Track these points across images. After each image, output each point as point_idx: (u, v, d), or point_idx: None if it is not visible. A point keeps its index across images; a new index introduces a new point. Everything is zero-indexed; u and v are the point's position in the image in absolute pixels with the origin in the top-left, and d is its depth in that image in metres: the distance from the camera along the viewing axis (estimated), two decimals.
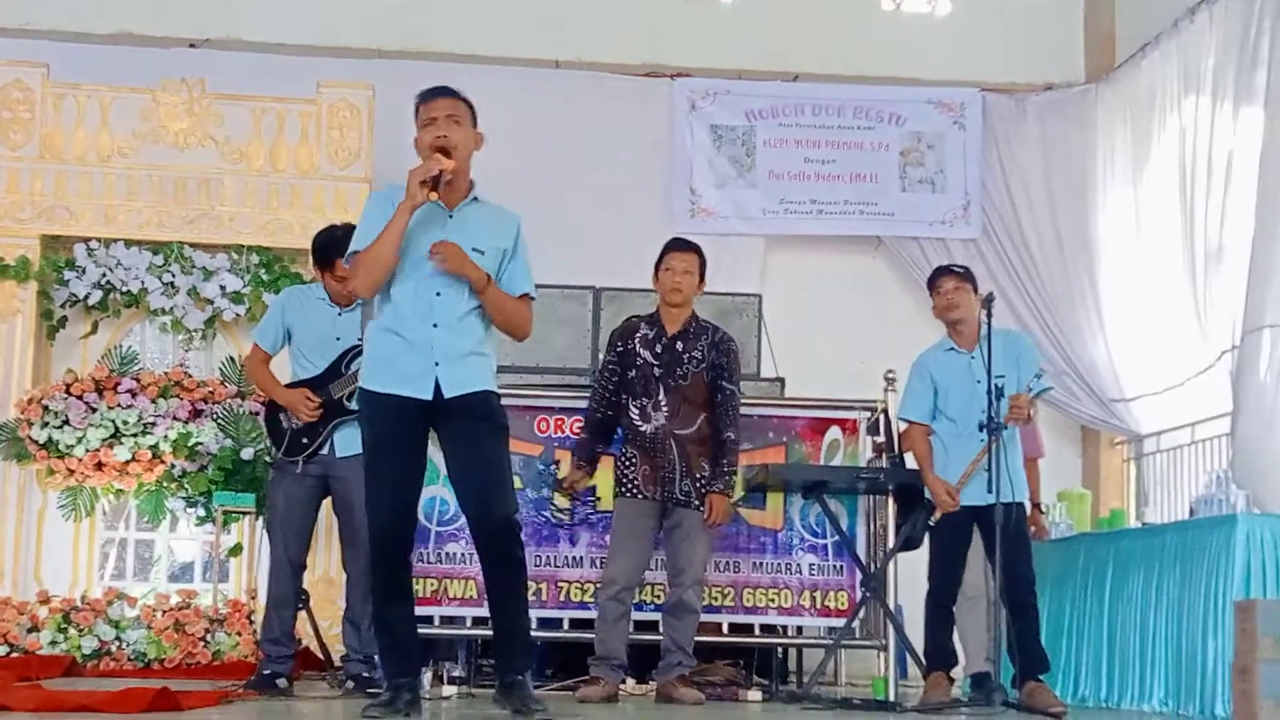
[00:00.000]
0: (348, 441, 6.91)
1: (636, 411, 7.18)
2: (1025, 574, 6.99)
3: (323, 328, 6.98)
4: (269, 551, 7.15)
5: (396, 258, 5.29)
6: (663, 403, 7.14)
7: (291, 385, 7.01)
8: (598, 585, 7.68)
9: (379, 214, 5.33)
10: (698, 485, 7.14)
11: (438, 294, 5.33)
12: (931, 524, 7.18)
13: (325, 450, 6.93)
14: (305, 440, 6.91)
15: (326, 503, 7.12)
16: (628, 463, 7.18)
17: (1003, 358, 7.03)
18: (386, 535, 5.35)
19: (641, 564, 7.26)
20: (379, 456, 5.38)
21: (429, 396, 5.30)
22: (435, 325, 5.32)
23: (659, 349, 7.20)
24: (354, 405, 6.88)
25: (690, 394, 7.17)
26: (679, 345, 7.20)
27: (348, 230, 6.88)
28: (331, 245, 6.91)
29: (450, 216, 5.41)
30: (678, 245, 7.34)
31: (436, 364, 5.30)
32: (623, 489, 7.19)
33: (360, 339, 6.92)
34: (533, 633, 6.21)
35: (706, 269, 7.36)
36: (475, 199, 5.49)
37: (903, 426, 7.49)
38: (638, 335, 7.27)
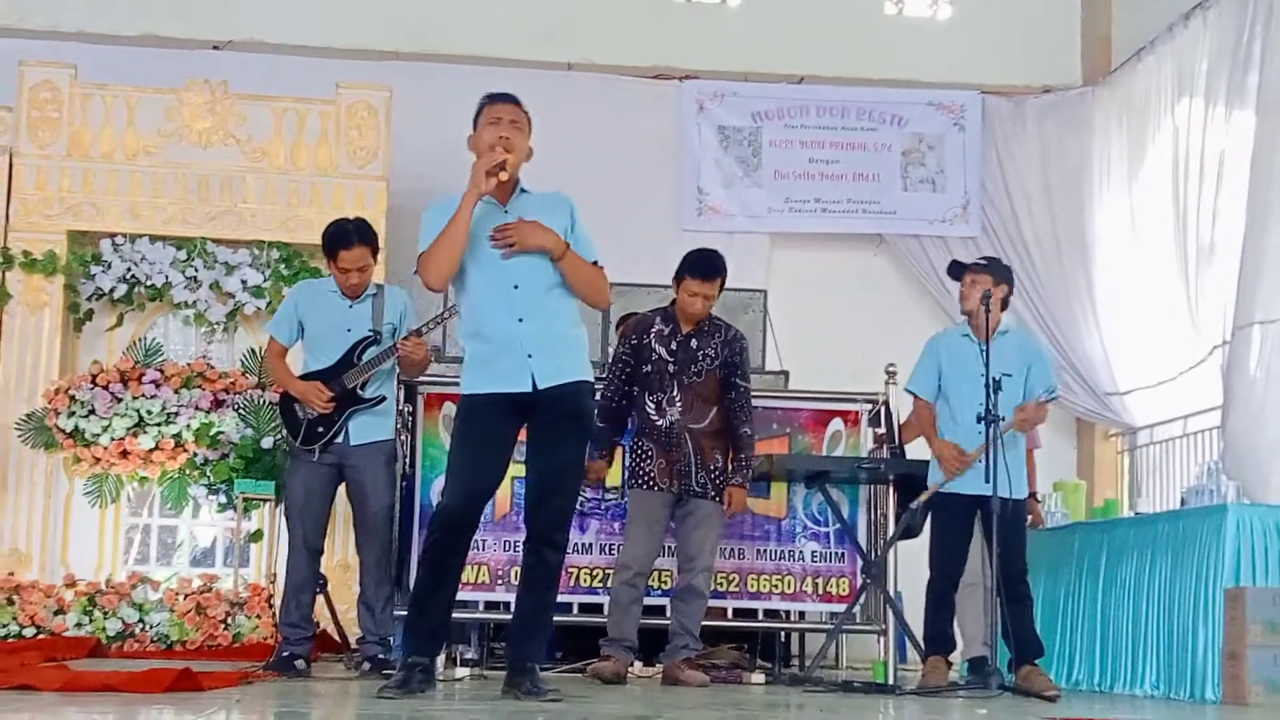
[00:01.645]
0: (362, 429, 6.92)
1: (652, 406, 7.18)
2: (1020, 564, 7.01)
3: (334, 319, 6.96)
4: (287, 537, 7.15)
5: (465, 244, 5.26)
6: (676, 398, 7.14)
7: (305, 377, 7.00)
8: (607, 571, 7.70)
9: (441, 218, 5.31)
10: (712, 476, 7.16)
11: (515, 287, 5.31)
12: (925, 499, 7.16)
13: (340, 439, 6.92)
14: (321, 430, 6.90)
15: (342, 489, 7.12)
16: (643, 456, 7.18)
17: (1014, 357, 7.03)
18: (449, 520, 5.35)
19: (655, 551, 7.27)
20: (461, 446, 5.41)
21: (528, 389, 5.29)
22: (520, 320, 5.31)
23: (674, 345, 7.19)
24: (367, 394, 6.92)
25: (703, 390, 7.17)
26: (693, 343, 7.19)
27: (357, 224, 6.94)
28: (340, 236, 6.89)
29: (505, 211, 5.40)
30: (703, 272, 7.15)
31: (530, 355, 5.30)
32: (638, 481, 7.19)
33: (371, 330, 6.93)
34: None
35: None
36: (524, 190, 5.48)
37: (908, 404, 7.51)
38: (653, 331, 7.24)
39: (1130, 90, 11.54)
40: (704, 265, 7.18)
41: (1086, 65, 12.45)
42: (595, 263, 5.49)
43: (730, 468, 7.21)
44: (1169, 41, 10.92)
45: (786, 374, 9.85)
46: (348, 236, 6.87)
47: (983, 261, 7.45)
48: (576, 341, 5.44)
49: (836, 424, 8.19)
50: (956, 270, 7.39)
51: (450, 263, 5.29)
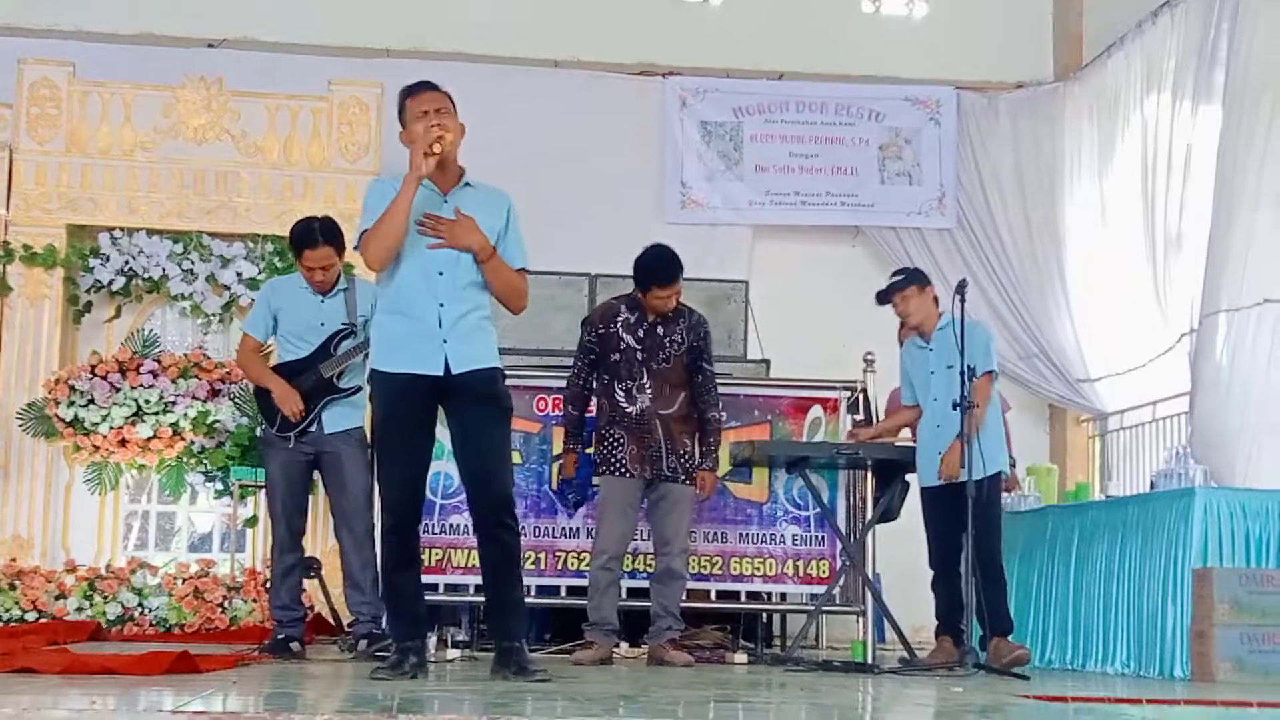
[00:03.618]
0: (335, 418, 6.95)
1: (622, 394, 7.15)
2: (993, 544, 7.07)
3: (307, 314, 6.96)
4: (270, 523, 7.14)
5: (406, 229, 5.23)
6: (646, 385, 7.13)
7: (281, 365, 7.01)
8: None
9: (381, 198, 5.28)
10: (682, 460, 7.16)
11: (440, 273, 5.29)
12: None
13: (314, 428, 6.92)
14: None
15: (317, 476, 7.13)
16: (615, 443, 7.16)
17: (952, 347, 7.09)
18: (398, 507, 5.34)
19: (628, 535, 7.27)
20: (391, 433, 5.37)
21: (439, 372, 5.27)
22: (442, 305, 5.29)
23: (641, 333, 7.16)
24: (343, 384, 6.92)
25: (671, 376, 7.17)
26: (660, 330, 7.17)
27: (323, 223, 6.93)
28: (305, 236, 6.89)
29: (445, 201, 5.38)
30: (667, 279, 7.09)
31: (445, 341, 5.28)
32: (609, 468, 7.18)
33: (345, 323, 6.93)
34: (531, 600, 6.22)
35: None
36: (467, 183, 5.45)
37: None
38: (619, 319, 7.19)
39: (1100, 86, 11.55)
40: (666, 272, 7.11)
41: (1058, 61, 12.46)
42: (523, 269, 5.46)
43: (699, 452, 7.21)
44: (1138, 38, 10.92)
45: (768, 362, 9.85)
46: (313, 236, 6.87)
47: (899, 279, 7.55)
48: (489, 333, 5.42)
49: (816, 411, 8.20)
50: (883, 298, 7.52)
51: (391, 247, 5.27)
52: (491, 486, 5.34)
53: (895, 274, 7.69)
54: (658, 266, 7.12)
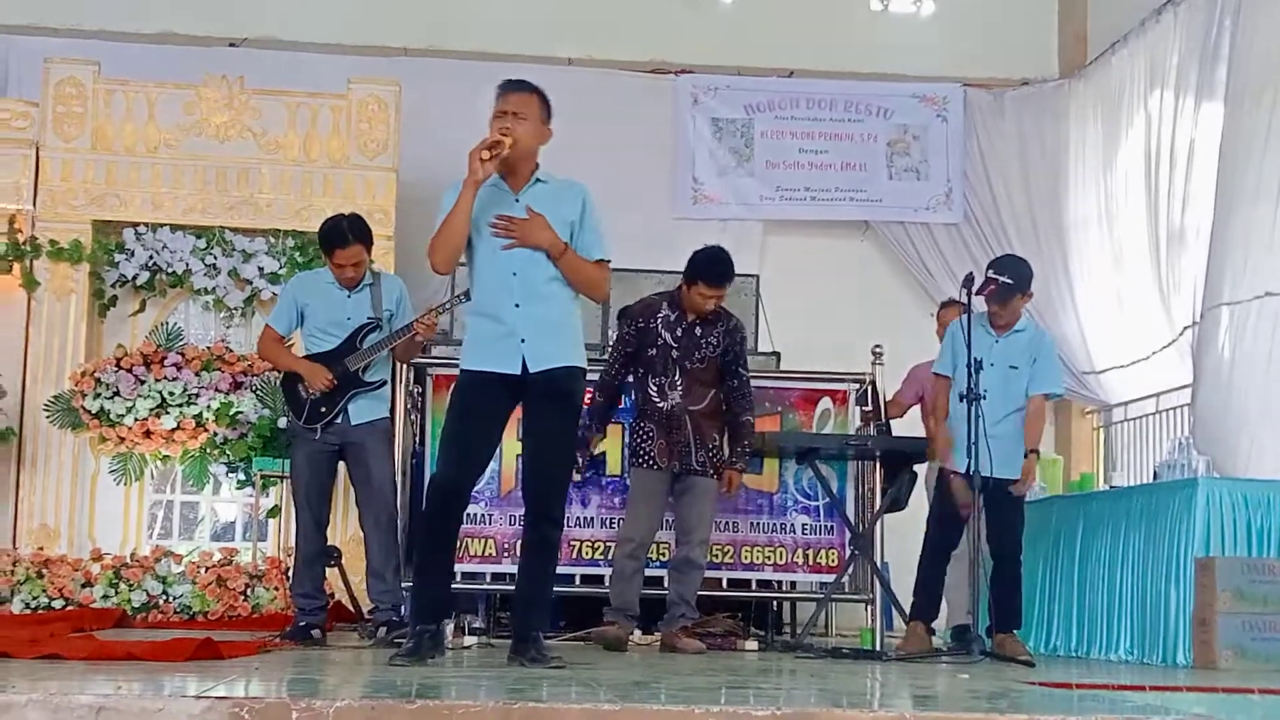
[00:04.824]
0: (361, 410, 6.93)
1: (655, 389, 7.15)
2: (1017, 540, 7.07)
3: (333, 310, 6.95)
4: (295, 513, 7.15)
5: (467, 232, 5.22)
6: (678, 382, 7.12)
7: (306, 357, 7.01)
8: (608, 544, 7.71)
9: (452, 202, 5.28)
10: (710, 455, 7.17)
11: (514, 274, 5.27)
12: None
13: (340, 419, 6.93)
14: (324, 410, 6.90)
15: (342, 465, 7.14)
16: (644, 437, 7.17)
17: (1023, 352, 7.06)
18: (446, 488, 5.33)
19: (656, 525, 7.29)
20: (457, 418, 5.36)
21: (517, 371, 5.26)
22: (517, 305, 5.27)
23: (679, 332, 7.15)
24: (369, 378, 6.92)
25: (704, 375, 7.16)
26: (698, 330, 7.16)
27: (351, 221, 6.91)
28: (335, 235, 6.88)
29: (516, 200, 5.36)
30: (718, 280, 7.05)
31: (523, 340, 5.27)
32: (639, 461, 7.19)
33: (370, 317, 6.92)
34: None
35: None
36: (539, 179, 5.43)
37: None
38: (659, 316, 7.19)
39: (1105, 82, 11.53)
40: (719, 274, 7.08)
41: (1063, 59, 12.43)
42: (601, 260, 5.43)
43: (729, 451, 7.21)
44: (1142, 36, 10.90)
45: (778, 355, 9.85)
46: (343, 235, 6.85)
47: (1012, 285, 7.07)
48: (570, 329, 5.39)
49: (826, 403, 8.20)
50: (981, 289, 7.03)
51: (452, 251, 5.27)
52: (540, 480, 5.37)
53: (1002, 269, 7.13)
54: (713, 265, 7.09)
